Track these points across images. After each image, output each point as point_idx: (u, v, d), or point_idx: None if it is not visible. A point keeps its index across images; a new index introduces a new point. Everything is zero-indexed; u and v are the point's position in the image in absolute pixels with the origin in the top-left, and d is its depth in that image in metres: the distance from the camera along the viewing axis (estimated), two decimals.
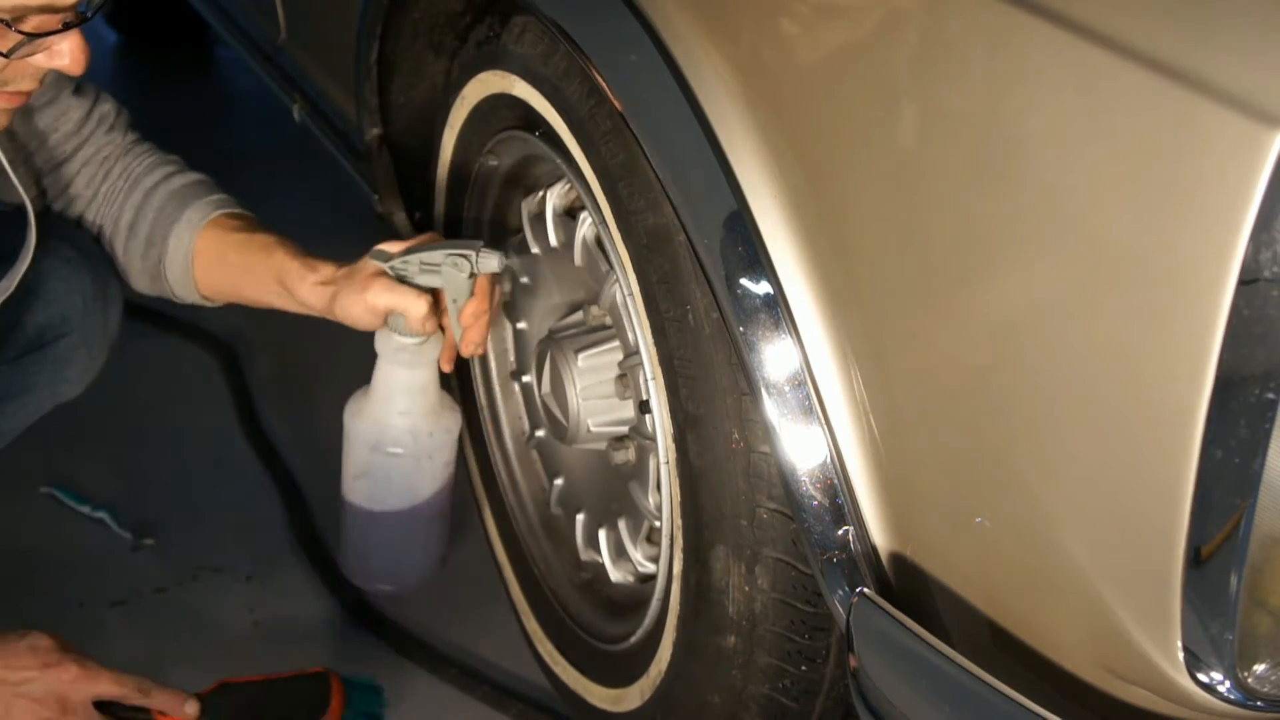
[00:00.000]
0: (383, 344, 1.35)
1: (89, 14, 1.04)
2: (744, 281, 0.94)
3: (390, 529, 1.44)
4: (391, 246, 1.30)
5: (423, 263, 1.27)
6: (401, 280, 1.28)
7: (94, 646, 1.58)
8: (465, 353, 1.32)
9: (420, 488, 1.41)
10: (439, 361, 1.35)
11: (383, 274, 1.27)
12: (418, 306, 1.26)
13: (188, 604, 1.64)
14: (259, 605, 1.63)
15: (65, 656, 1.12)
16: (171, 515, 1.78)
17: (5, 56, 1.03)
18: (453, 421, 1.41)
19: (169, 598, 1.64)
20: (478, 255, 1.26)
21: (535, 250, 1.40)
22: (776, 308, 0.93)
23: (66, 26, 1.03)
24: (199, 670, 1.57)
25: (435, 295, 1.29)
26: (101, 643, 1.59)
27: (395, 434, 1.37)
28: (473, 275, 1.27)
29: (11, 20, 1.00)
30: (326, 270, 1.30)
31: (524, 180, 1.42)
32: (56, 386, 1.36)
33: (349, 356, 2.17)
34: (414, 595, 1.58)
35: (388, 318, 1.29)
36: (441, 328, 1.31)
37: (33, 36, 1.02)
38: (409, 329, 1.29)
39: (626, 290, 1.12)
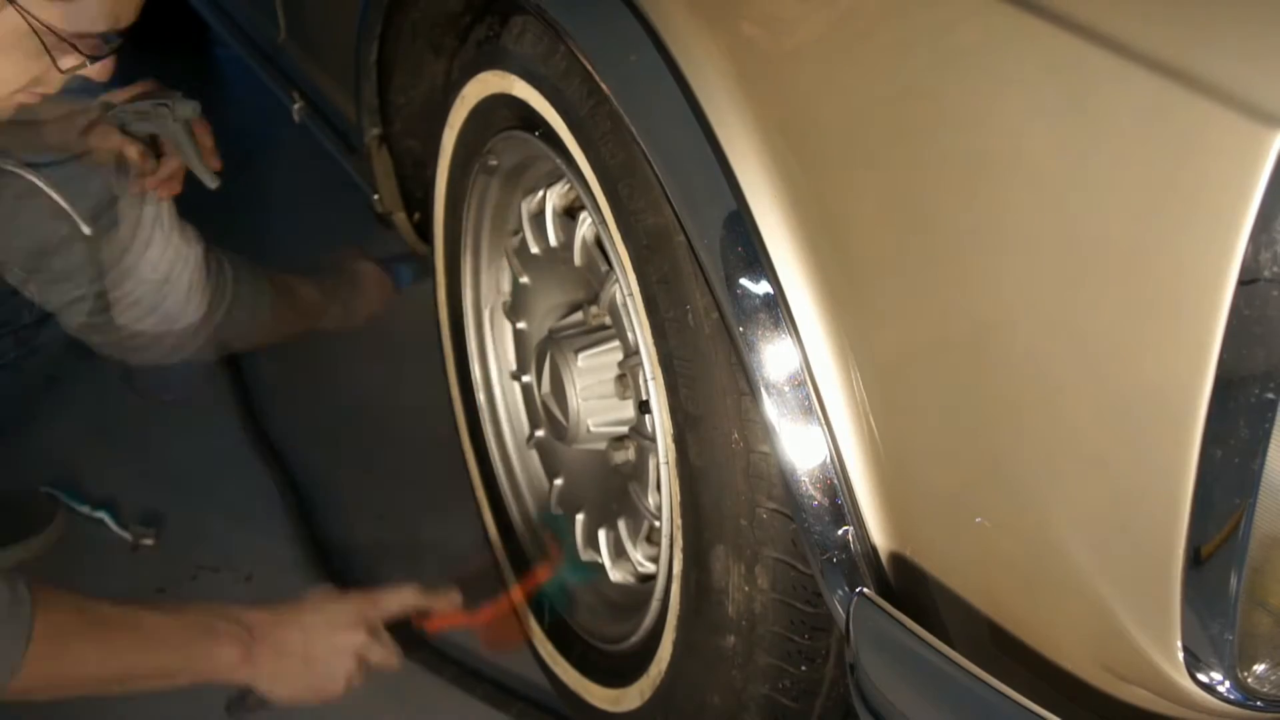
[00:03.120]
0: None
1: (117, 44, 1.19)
2: (744, 281, 0.94)
3: (150, 346, 1.65)
4: (114, 96, 1.50)
5: (135, 112, 1.48)
6: (123, 128, 1.49)
7: None
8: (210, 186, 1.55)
9: (169, 308, 1.61)
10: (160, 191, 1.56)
11: (106, 121, 1.48)
12: (131, 150, 1.48)
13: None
14: (259, 605, 1.63)
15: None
16: (171, 515, 1.78)
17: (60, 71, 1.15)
18: (189, 250, 1.59)
19: (168, 598, 1.64)
20: (174, 103, 1.48)
21: (535, 250, 1.40)
22: (776, 308, 0.93)
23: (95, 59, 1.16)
24: None
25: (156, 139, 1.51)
26: None
27: (140, 263, 1.57)
28: (178, 120, 1.48)
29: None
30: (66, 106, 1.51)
31: (524, 180, 1.42)
32: None
33: (353, 356, 2.18)
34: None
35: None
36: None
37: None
38: (132, 168, 1.50)
39: (626, 290, 1.12)
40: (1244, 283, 0.65)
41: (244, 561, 1.70)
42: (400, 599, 1.34)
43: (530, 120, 1.26)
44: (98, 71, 1.19)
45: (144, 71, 1.54)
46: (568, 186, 1.31)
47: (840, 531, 0.94)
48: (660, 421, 1.12)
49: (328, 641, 1.26)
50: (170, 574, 1.68)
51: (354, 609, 1.29)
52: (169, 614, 1.21)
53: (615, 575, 1.38)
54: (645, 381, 1.12)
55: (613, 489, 1.36)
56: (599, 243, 1.26)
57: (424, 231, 1.73)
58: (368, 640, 1.29)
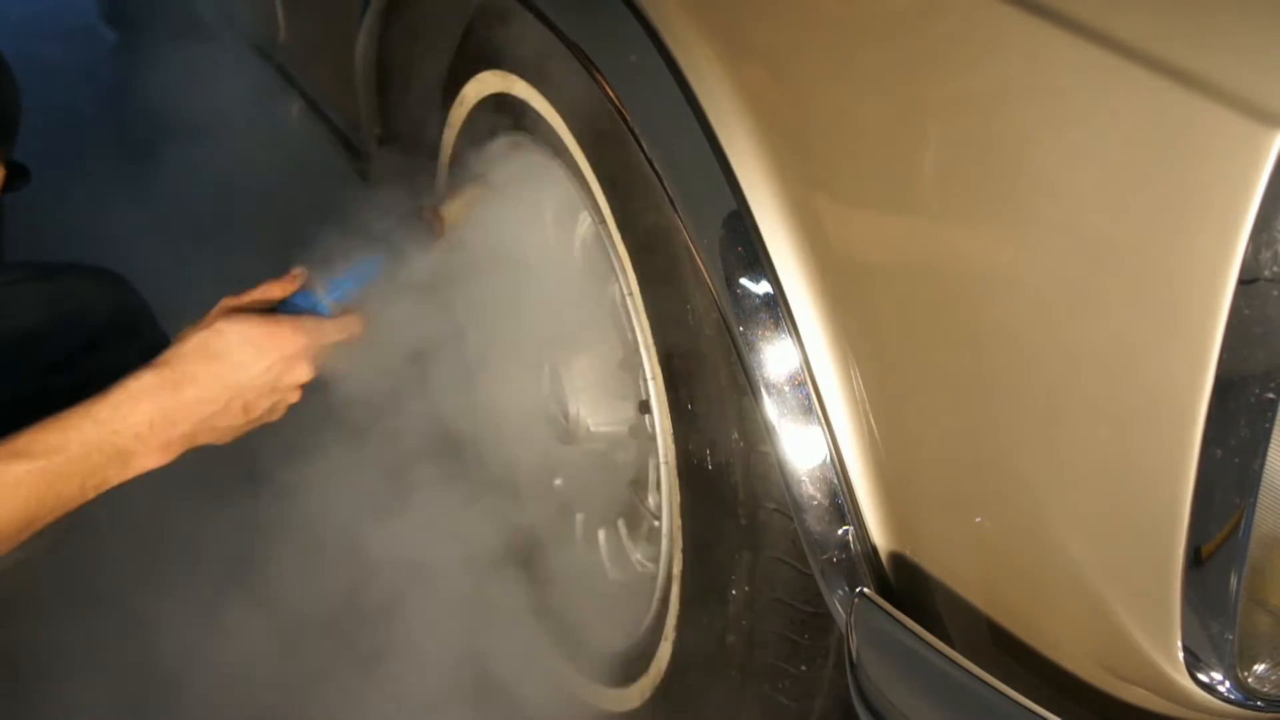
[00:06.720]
0: None
1: None
2: (744, 281, 0.94)
3: None
4: None
5: None
6: None
7: (92, 643, 1.59)
8: None
9: None
10: None
11: None
12: None
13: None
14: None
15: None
16: (171, 516, 1.77)
17: None
18: None
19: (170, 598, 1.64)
20: None
21: None
22: (776, 308, 0.93)
23: None
24: (198, 667, 1.58)
25: None
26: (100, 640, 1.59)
27: None
28: None
29: None
30: None
31: None
32: None
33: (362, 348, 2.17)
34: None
35: None
36: None
37: None
38: None
39: (626, 290, 1.12)
40: (1244, 283, 0.65)
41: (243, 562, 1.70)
42: (345, 327, 1.14)
43: (530, 120, 1.26)
44: None
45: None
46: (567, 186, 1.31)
47: (840, 531, 0.94)
48: (660, 421, 1.12)
49: (270, 395, 1.10)
50: (171, 573, 1.67)
51: (292, 351, 1.09)
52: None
53: (614, 576, 1.38)
54: (645, 381, 1.12)
55: (612, 489, 1.36)
56: (599, 242, 1.26)
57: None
58: (312, 369, 1.11)
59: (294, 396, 1.12)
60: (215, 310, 1.11)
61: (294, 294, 1.15)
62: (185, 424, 1.05)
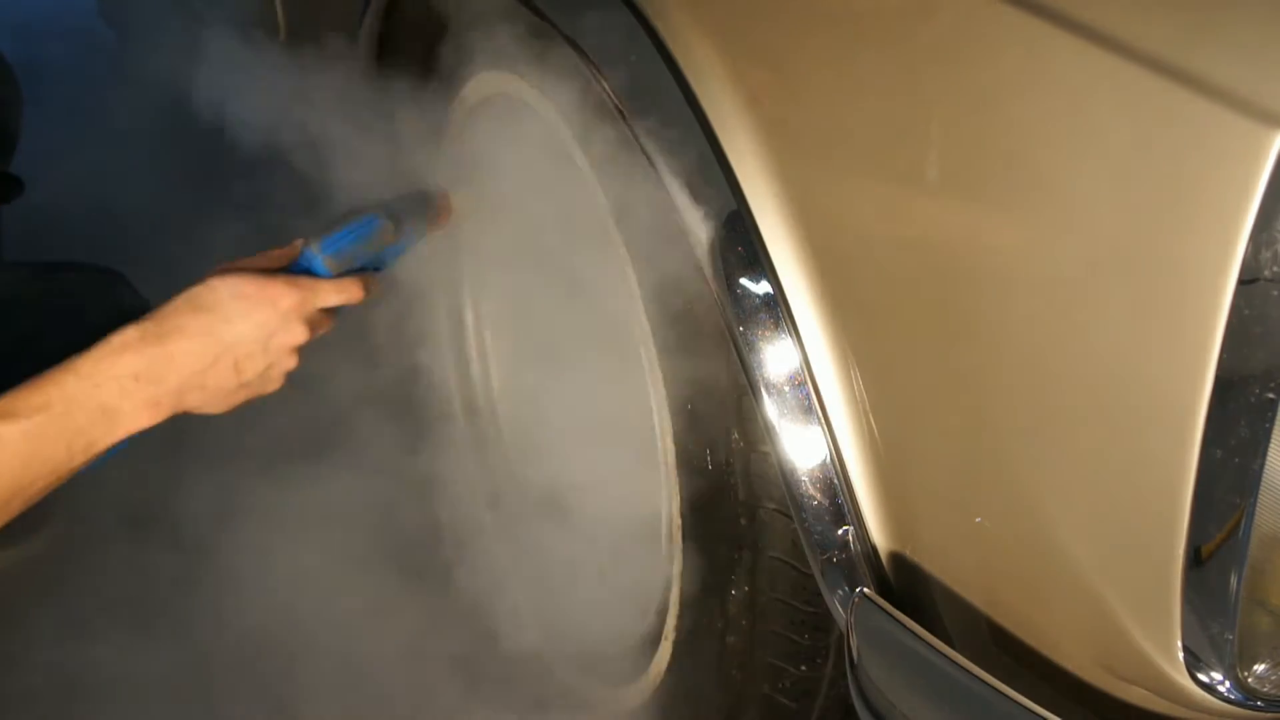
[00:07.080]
0: None
1: None
2: (744, 281, 0.94)
3: None
4: None
5: None
6: None
7: (92, 642, 1.59)
8: None
9: None
10: None
11: None
12: None
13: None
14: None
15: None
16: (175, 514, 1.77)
17: None
18: None
19: (177, 594, 1.64)
20: None
21: None
22: (776, 308, 0.93)
23: None
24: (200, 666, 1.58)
25: None
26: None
27: None
28: None
29: None
30: None
31: None
32: None
33: (354, 357, 2.18)
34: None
35: None
36: None
37: None
38: None
39: (626, 290, 1.12)
40: (1244, 283, 0.65)
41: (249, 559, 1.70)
42: (343, 290, 1.10)
43: (531, 120, 1.25)
44: None
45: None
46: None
47: (840, 531, 0.94)
48: (660, 421, 1.12)
49: (263, 355, 1.05)
50: (174, 570, 1.67)
51: (286, 306, 1.05)
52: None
53: (614, 574, 1.38)
54: (645, 381, 1.12)
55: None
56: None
57: None
58: (307, 331, 1.07)
59: (289, 362, 1.07)
60: (208, 274, 1.05)
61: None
62: (173, 378, 1.00)
